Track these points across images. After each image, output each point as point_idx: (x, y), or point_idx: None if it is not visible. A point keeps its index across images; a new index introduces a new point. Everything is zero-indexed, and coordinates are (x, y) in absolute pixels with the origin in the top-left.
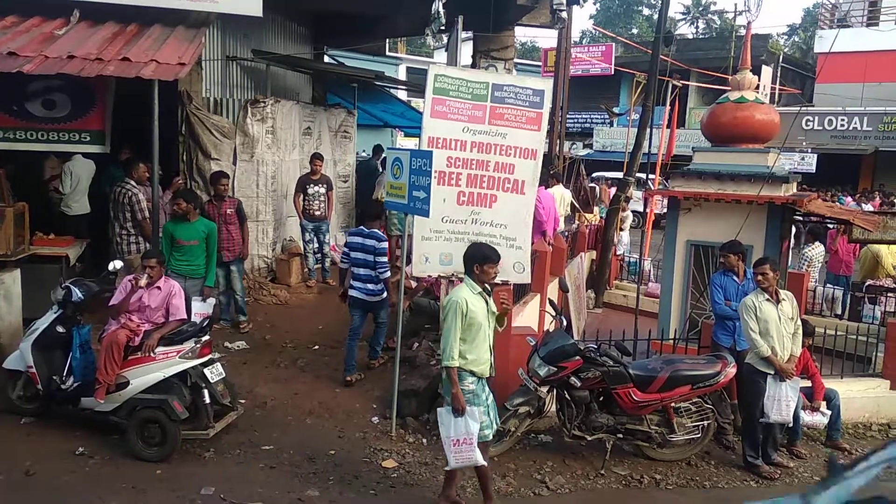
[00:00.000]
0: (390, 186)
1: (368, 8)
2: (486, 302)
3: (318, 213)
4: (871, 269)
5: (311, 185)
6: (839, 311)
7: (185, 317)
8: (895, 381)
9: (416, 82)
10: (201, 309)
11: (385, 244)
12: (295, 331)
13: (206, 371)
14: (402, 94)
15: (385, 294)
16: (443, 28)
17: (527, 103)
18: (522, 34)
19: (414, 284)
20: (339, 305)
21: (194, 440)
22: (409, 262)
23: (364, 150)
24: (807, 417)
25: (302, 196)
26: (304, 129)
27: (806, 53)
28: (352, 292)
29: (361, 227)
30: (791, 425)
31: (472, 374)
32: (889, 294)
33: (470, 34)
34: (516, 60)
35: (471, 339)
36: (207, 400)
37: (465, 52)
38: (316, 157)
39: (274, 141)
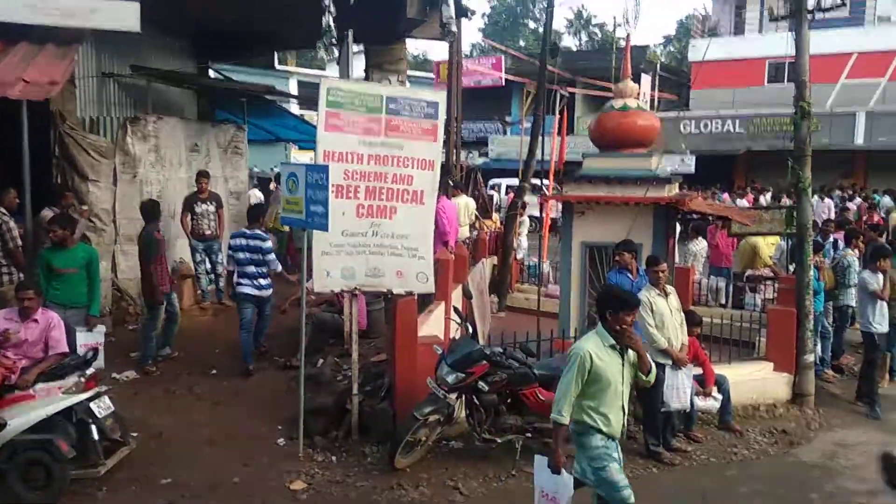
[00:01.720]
0: (286, 202)
1: (253, 23)
2: (622, 356)
3: (207, 232)
4: (749, 261)
5: (199, 204)
6: (723, 301)
7: (66, 350)
8: (778, 363)
9: (309, 96)
10: (88, 339)
11: (269, 242)
12: (190, 356)
13: (93, 405)
14: (294, 108)
15: (271, 291)
16: (334, 41)
17: (422, 115)
18: (414, 47)
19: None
20: (236, 327)
21: (84, 479)
22: (309, 277)
23: (256, 166)
24: (700, 403)
25: (190, 215)
26: (191, 146)
27: (681, 62)
28: (242, 289)
29: (244, 229)
30: (687, 411)
31: (601, 433)
32: (767, 282)
33: (361, 47)
34: (409, 73)
35: (599, 397)
36: (96, 436)
37: (358, 65)
38: (201, 175)
39: (158, 159)
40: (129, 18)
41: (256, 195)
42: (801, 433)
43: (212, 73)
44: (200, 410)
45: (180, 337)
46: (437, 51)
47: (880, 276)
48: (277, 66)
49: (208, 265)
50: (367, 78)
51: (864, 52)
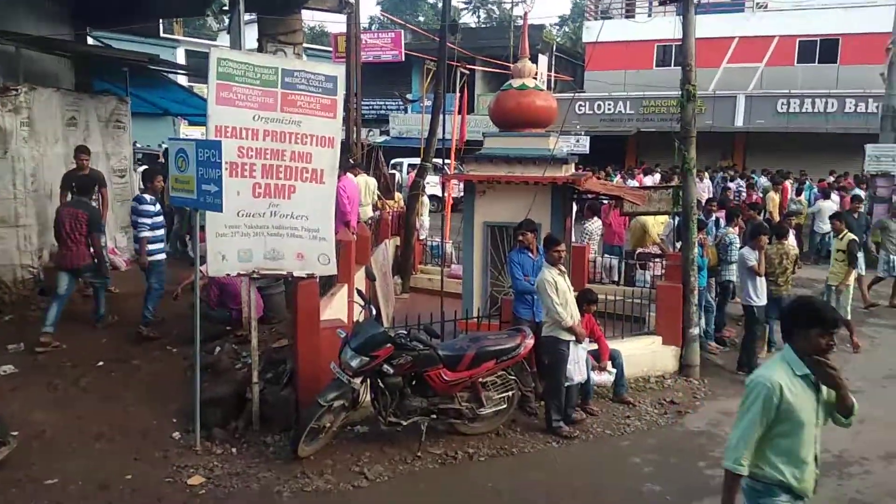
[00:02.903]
0: (175, 180)
1: None
2: (817, 391)
3: None
4: (640, 239)
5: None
6: (616, 278)
7: None
8: (666, 336)
9: (198, 67)
10: None
11: (144, 206)
12: (74, 347)
13: None
14: (182, 80)
15: (156, 257)
16: (224, 9)
17: (320, 90)
18: (311, 18)
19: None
20: (122, 316)
21: None
22: (203, 261)
23: (138, 142)
24: (596, 377)
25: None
26: (68, 119)
27: (576, 43)
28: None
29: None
30: (584, 384)
31: (787, 490)
32: (656, 260)
33: (254, 17)
34: (306, 45)
35: (785, 441)
36: None
37: (251, 35)
38: (80, 151)
39: (31, 134)
40: None
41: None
42: (689, 403)
43: (91, 41)
44: (88, 404)
45: (62, 327)
46: (335, 24)
47: (758, 252)
48: (163, 35)
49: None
50: (260, 49)
51: (745, 37)
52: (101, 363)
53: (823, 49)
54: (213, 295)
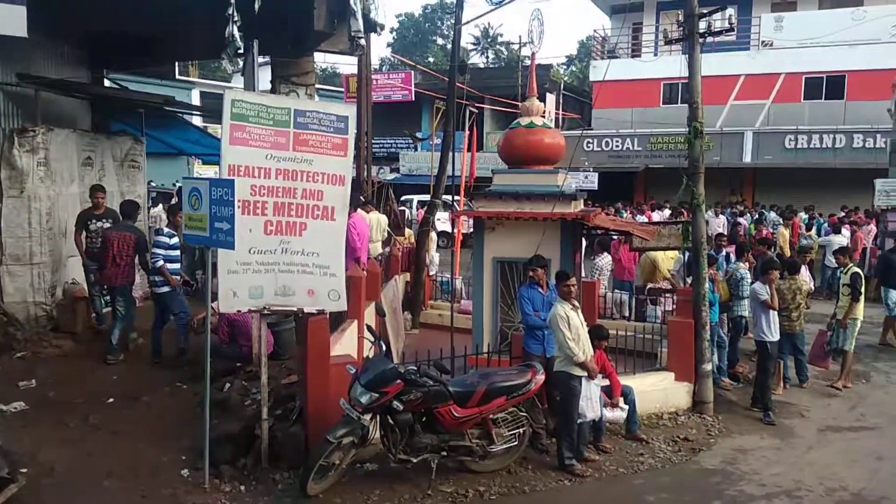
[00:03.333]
0: (189, 219)
1: (152, 30)
2: None
3: None
4: (650, 274)
5: (94, 221)
6: (626, 314)
7: None
8: (678, 372)
9: (212, 107)
10: None
11: (161, 238)
12: (85, 384)
13: None
14: (197, 121)
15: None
16: (239, 52)
17: (331, 129)
18: (323, 60)
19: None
20: (133, 353)
21: None
22: (214, 298)
23: (153, 181)
24: (608, 414)
25: (84, 233)
26: (84, 159)
27: (583, 82)
28: None
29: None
30: (597, 422)
31: None
32: (667, 295)
33: (268, 59)
34: (318, 86)
35: None
36: None
37: (264, 77)
38: (97, 190)
39: (48, 173)
40: (14, 22)
41: (159, 212)
42: (703, 440)
43: (108, 83)
44: (97, 442)
45: (74, 364)
46: (347, 65)
47: (769, 287)
48: (178, 77)
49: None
50: (273, 90)
51: (750, 75)
52: (111, 400)
53: (830, 85)
54: (223, 331)
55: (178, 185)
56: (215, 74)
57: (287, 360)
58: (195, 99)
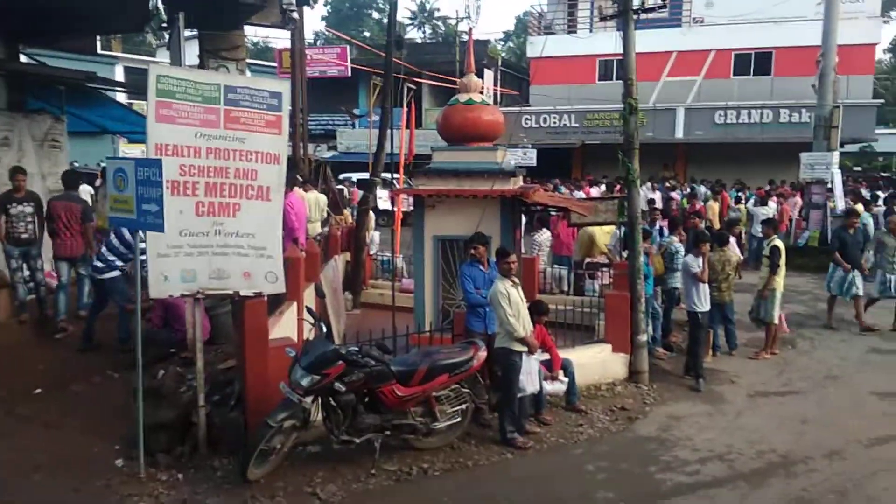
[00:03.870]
0: (114, 200)
1: (71, 1)
2: None
3: (24, 235)
4: (588, 249)
5: (14, 205)
6: (565, 288)
7: None
8: (615, 344)
9: (137, 83)
10: None
11: None
12: (9, 376)
13: None
14: (121, 98)
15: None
16: (164, 25)
17: (264, 106)
18: (254, 34)
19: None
20: (63, 339)
21: None
22: (144, 283)
23: (74, 161)
24: (548, 387)
25: (4, 217)
26: (1, 139)
27: (520, 58)
28: None
29: None
30: (537, 395)
31: None
32: (604, 269)
33: (195, 33)
34: (249, 61)
35: None
36: None
37: (191, 51)
38: (17, 172)
39: None
40: None
41: (86, 191)
42: (639, 409)
43: (24, 59)
44: (26, 434)
45: None
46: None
47: (701, 259)
48: (101, 52)
49: (26, 272)
50: (201, 65)
51: (682, 52)
52: (38, 391)
53: (758, 62)
54: (157, 316)
55: (102, 165)
56: (140, 49)
57: (224, 345)
58: (119, 75)
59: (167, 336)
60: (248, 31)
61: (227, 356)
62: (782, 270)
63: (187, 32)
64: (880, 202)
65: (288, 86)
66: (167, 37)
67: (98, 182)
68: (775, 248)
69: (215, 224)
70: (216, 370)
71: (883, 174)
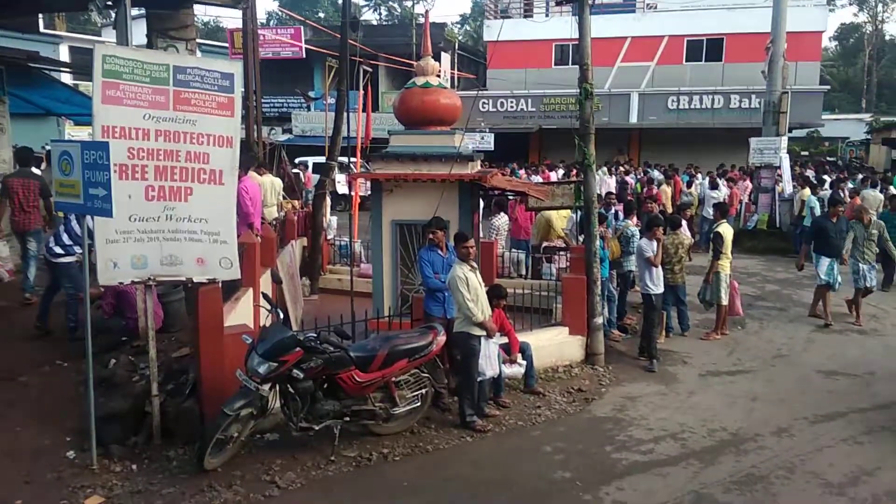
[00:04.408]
0: (60, 185)
1: None
2: None
3: None
4: (545, 233)
5: None
6: (523, 272)
7: None
8: (572, 327)
9: (82, 63)
10: None
11: None
12: None
13: None
14: (66, 78)
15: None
16: (109, 3)
17: (216, 87)
18: (204, 13)
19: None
20: (12, 329)
21: None
22: (92, 270)
23: (17, 144)
24: (507, 370)
25: None
26: None
27: (477, 41)
28: None
29: None
30: (496, 378)
31: None
32: (561, 253)
33: (142, 11)
34: (200, 41)
35: None
36: None
37: (139, 31)
38: None
39: None
40: None
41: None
42: (595, 390)
43: None
44: None
45: None
46: (231, 19)
47: (655, 243)
48: (44, 30)
49: None
50: (149, 45)
51: (637, 37)
52: None
53: (709, 48)
54: (108, 304)
55: (47, 148)
56: (85, 28)
57: (178, 333)
58: (63, 54)
59: (118, 324)
60: (199, 9)
61: (180, 344)
62: (728, 254)
63: (134, 11)
64: (826, 186)
65: (240, 67)
66: (113, 15)
67: (43, 166)
68: (717, 235)
69: (166, 209)
70: (170, 358)
71: (829, 159)
